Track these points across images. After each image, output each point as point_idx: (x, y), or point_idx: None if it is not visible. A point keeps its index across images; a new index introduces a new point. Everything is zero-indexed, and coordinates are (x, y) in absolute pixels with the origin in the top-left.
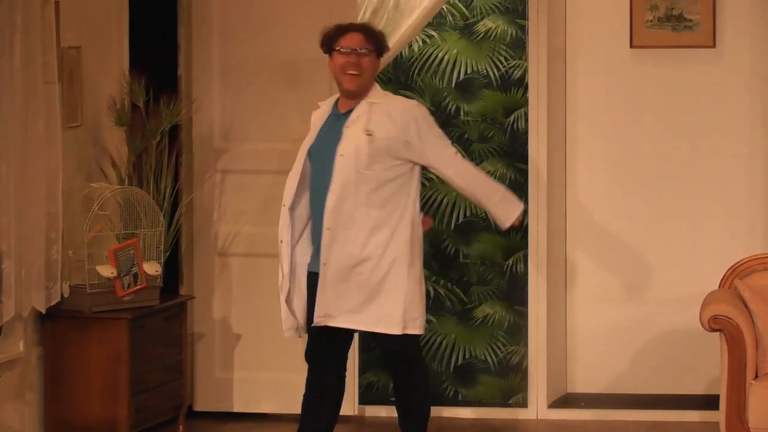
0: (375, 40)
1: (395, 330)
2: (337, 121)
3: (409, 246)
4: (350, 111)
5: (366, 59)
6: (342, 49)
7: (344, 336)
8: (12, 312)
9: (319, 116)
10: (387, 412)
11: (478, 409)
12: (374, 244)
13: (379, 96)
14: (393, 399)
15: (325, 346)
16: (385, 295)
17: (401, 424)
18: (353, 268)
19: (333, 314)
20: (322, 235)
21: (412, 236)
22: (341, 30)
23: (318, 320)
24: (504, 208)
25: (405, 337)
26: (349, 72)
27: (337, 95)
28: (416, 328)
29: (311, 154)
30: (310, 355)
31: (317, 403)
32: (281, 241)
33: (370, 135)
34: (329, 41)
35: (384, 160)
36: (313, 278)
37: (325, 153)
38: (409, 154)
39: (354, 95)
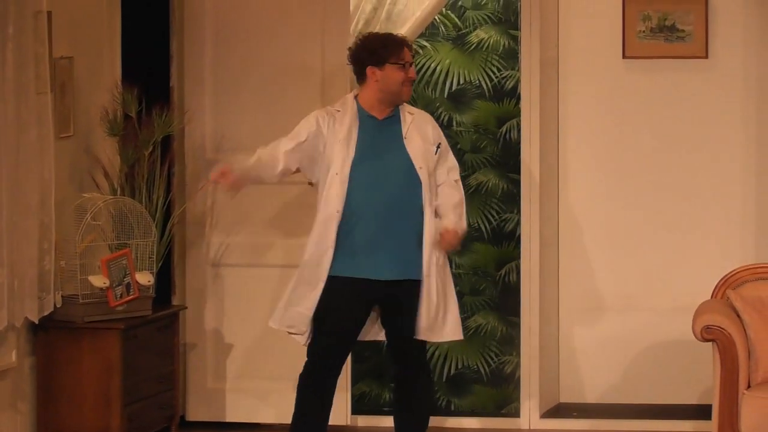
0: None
1: (461, 335)
2: (381, 128)
3: None
4: (391, 118)
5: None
6: (403, 63)
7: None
8: (5, 322)
9: (342, 118)
10: (379, 422)
11: (470, 419)
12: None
13: (408, 106)
14: (395, 410)
15: (342, 356)
16: (453, 303)
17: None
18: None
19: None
20: (384, 243)
21: None
22: (398, 44)
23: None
24: (456, 217)
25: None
26: (410, 84)
27: (349, 98)
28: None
29: (356, 161)
30: (330, 364)
31: (321, 409)
32: (328, 248)
33: (438, 148)
34: (384, 53)
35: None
36: (338, 283)
37: (381, 162)
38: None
39: (398, 103)
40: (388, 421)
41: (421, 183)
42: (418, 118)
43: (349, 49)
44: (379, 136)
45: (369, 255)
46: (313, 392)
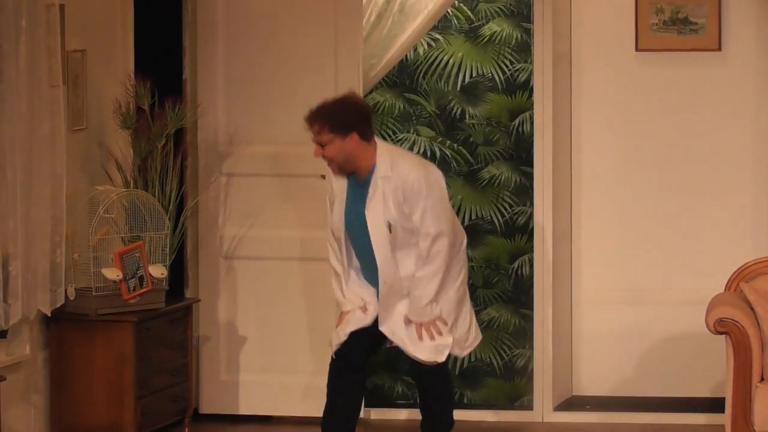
0: (329, 122)
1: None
2: (358, 191)
3: None
4: (366, 181)
5: (328, 148)
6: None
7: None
8: (19, 315)
9: (337, 182)
10: (393, 414)
11: (483, 412)
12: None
13: (387, 168)
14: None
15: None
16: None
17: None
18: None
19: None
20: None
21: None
22: (306, 118)
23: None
24: (416, 312)
25: None
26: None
27: None
28: None
29: (346, 221)
30: (347, 356)
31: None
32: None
33: (390, 227)
34: None
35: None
36: None
37: (356, 226)
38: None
39: (353, 171)
40: (401, 414)
41: (380, 253)
42: (391, 181)
43: None
44: (355, 201)
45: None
46: (337, 378)
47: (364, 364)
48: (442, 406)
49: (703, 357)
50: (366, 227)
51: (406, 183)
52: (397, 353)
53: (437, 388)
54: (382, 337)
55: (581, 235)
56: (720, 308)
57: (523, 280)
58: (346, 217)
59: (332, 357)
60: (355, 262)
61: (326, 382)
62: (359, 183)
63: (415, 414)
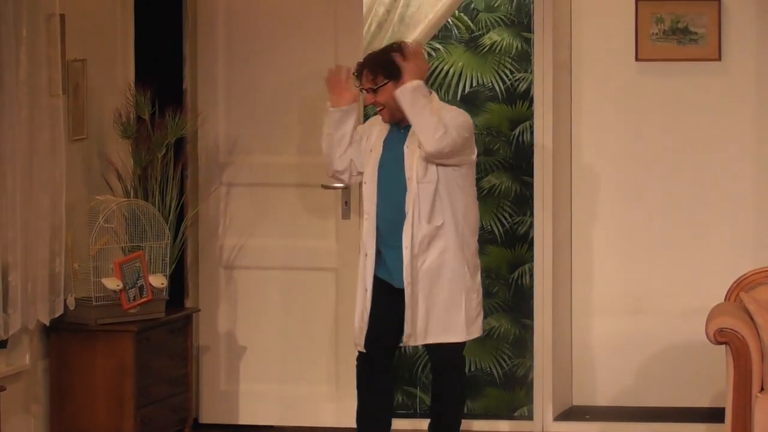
0: (381, 70)
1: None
2: (398, 135)
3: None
4: (407, 126)
5: (379, 96)
6: (363, 88)
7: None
8: (18, 324)
9: (373, 131)
10: (395, 424)
11: (483, 422)
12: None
13: None
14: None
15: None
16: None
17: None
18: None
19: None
20: (390, 251)
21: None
22: (357, 70)
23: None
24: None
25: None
26: (378, 109)
27: None
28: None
29: (378, 170)
30: (373, 350)
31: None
32: (366, 255)
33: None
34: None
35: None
36: (379, 283)
37: (391, 169)
38: None
39: (401, 118)
40: (403, 424)
41: (406, 191)
42: None
43: None
44: (393, 146)
45: (385, 261)
46: (365, 379)
47: (390, 360)
48: (454, 413)
49: (703, 367)
50: (398, 165)
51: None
52: (403, 363)
53: (455, 389)
54: (401, 327)
55: (581, 245)
56: (720, 318)
57: (523, 289)
58: (380, 160)
59: (358, 354)
60: (370, 209)
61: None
62: (396, 132)
63: (417, 424)
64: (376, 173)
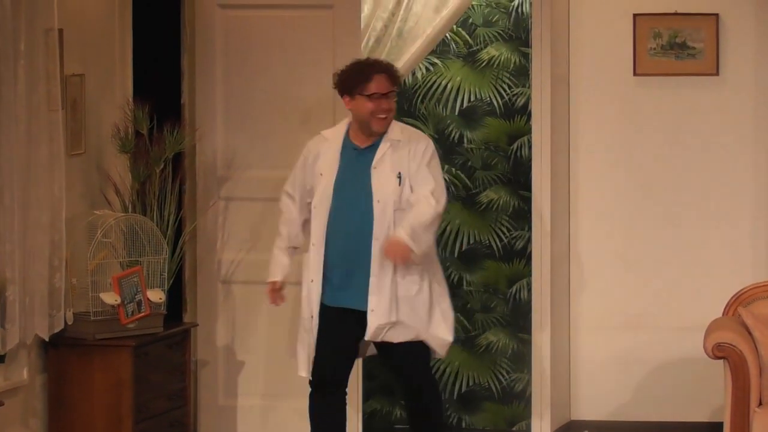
0: (397, 78)
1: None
2: (358, 157)
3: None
4: (371, 147)
5: (393, 101)
6: (372, 95)
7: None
8: (16, 339)
9: (329, 148)
10: None
11: None
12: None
13: (398, 132)
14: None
15: (342, 369)
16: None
17: None
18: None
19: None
20: (353, 273)
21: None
22: (366, 74)
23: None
24: (412, 229)
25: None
26: (380, 116)
27: (342, 125)
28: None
29: (333, 192)
30: (328, 380)
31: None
32: (312, 281)
33: (399, 178)
34: (351, 84)
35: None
36: (327, 312)
37: (350, 192)
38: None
39: (382, 131)
40: None
41: (373, 216)
42: (401, 145)
43: (334, 74)
44: (352, 168)
45: (340, 286)
46: (320, 409)
47: (343, 390)
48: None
49: (701, 382)
50: (362, 187)
51: (418, 147)
52: (391, 376)
53: (430, 405)
54: (356, 346)
55: (579, 260)
56: (718, 333)
57: (521, 304)
58: (336, 184)
59: (310, 381)
60: (318, 235)
61: (308, 410)
62: (356, 153)
63: None
64: (330, 197)
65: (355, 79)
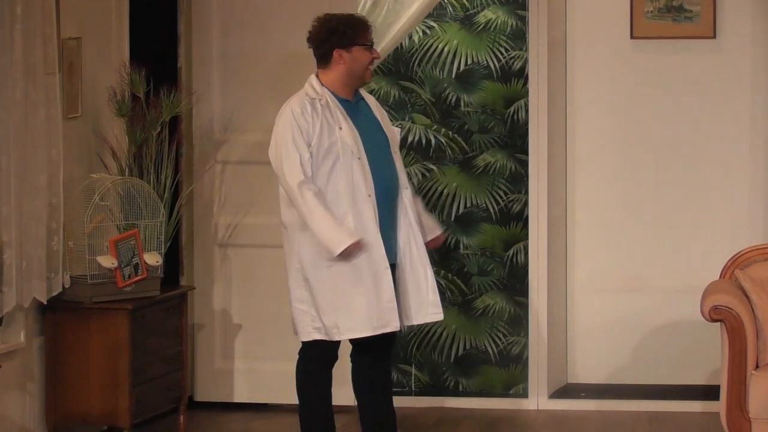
0: None
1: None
2: (354, 110)
3: None
4: (359, 101)
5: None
6: (369, 44)
7: None
8: (13, 302)
9: (326, 104)
10: (402, 402)
11: (478, 400)
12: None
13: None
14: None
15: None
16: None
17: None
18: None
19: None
20: (393, 225)
21: None
22: (364, 25)
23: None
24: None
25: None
26: (371, 66)
27: (313, 87)
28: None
29: (363, 144)
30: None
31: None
32: (376, 232)
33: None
34: (352, 35)
35: None
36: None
37: (373, 143)
38: None
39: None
40: (399, 401)
41: (396, 166)
42: (374, 102)
43: (310, 31)
44: (361, 120)
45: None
46: (324, 372)
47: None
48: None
49: (698, 345)
50: (379, 137)
51: (373, 100)
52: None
53: (389, 375)
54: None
55: (576, 223)
56: (715, 296)
57: (518, 267)
58: (360, 134)
59: (312, 345)
60: (369, 185)
61: (306, 379)
62: (352, 107)
63: (412, 402)
64: (362, 149)
65: (357, 30)
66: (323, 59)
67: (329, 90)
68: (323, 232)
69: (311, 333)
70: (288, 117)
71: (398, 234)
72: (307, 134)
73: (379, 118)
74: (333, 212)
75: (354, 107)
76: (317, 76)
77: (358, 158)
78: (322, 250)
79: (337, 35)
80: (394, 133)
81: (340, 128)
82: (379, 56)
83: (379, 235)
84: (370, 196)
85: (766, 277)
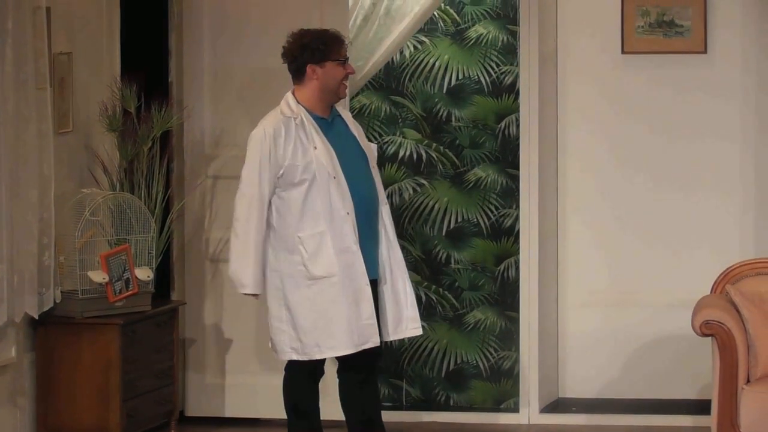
0: None
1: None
2: (330, 127)
3: None
4: (333, 117)
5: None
6: (343, 59)
7: None
8: (5, 317)
9: (300, 123)
10: (393, 417)
11: (469, 414)
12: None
13: (337, 106)
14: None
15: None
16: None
17: None
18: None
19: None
20: (369, 239)
21: None
22: (338, 40)
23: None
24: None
25: None
26: (345, 82)
27: (288, 105)
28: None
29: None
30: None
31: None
32: (354, 250)
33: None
34: (325, 50)
35: None
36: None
37: (351, 160)
38: None
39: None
40: (387, 416)
41: (374, 182)
42: (350, 118)
43: (284, 46)
44: (337, 138)
45: (365, 255)
46: (310, 387)
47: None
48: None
49: (689, 359)
50: (357, 154)
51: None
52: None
53: (377, 390)
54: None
55: (567, 238)
56: (706, 310)
57: (509, 282)
58: (337, 152)
59: (298, 361)
60: (348, 204)
61: (294, 394)
62: (327, 124)
63: (399, 416)
64: (338, 166)
65: (329, 46)
66: (297, 75)
67: (305, 107)
68: (239, 265)
69: (288, 353)
70: (260, 138)
71: (379, 250)
72: (276, 158)
73: (356, 135)
74: (260, 253)
75: (329, 125)
76: (293, 93)
77: (334, 177)
78: (305, 270)
79: (309, 50)
80: (371, 149)
81: (315, 148)
82: (353, 71)
83: (360, 253)
84: (348, 214)
85: (756, 291)
